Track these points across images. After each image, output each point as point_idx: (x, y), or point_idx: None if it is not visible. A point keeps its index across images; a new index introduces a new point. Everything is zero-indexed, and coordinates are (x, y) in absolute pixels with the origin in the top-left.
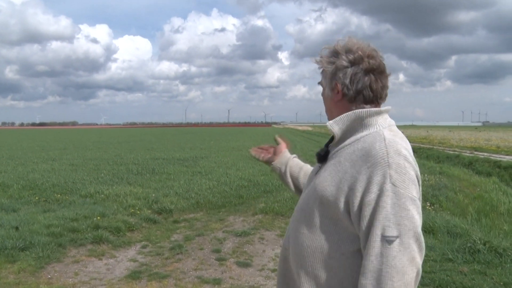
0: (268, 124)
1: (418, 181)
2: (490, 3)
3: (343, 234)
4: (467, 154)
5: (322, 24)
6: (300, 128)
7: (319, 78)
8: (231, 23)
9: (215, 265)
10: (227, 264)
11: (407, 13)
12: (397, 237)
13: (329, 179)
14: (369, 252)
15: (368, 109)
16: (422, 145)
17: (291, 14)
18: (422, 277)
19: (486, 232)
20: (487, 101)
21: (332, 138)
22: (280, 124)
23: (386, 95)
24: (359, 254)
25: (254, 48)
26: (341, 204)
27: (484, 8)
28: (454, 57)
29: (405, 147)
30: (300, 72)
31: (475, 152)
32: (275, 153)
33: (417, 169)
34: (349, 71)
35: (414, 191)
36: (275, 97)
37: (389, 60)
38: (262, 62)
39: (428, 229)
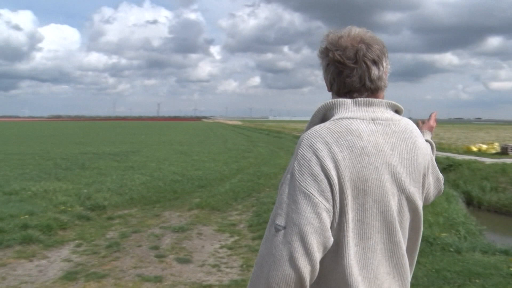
0: (198, 118)
1: (330, 182)
2: (414, 6)
3: None
4: None
5: (255, 20)
6: (230, 122)
7: (249, 72)
8: (164, 15)
9: (155, 262)
10: (167, 261)
11: (337, 11)
12: (284, 227)
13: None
14: (264, 234)
15: (328, 101)
16: None
17: (224, 8)
18: None
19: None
20: (411, 98)
21: None
22: (210, 118)
23: (368, 87)
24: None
25: (186, 42)
26: None
27: (409, 10)
28: None
29: (327, 141)
30: (231, 67)
31: None
32: None
33: (337, 168)
34: (323, 62)
35: (312, 187)
36: (206, 91)
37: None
38: (193, 56)
39: None
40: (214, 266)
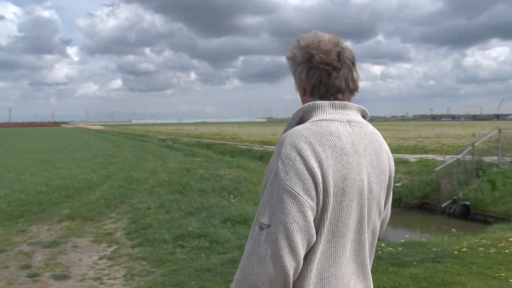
0: (56, 123)
1: (315, 180)
2: (272, 10)
3: None
4: (258, 148)
5: (115, 20)
6: (92, 127)
7: (110, 75)
8: (11, 11)
9: (28, 283)
10: (42, 279)
11: (198, 13)
12: (268, 226)
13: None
14: (249, 234)
15: (305, 104)
16: (216, 141)
17: (81, 7)
18: None
19: None
20: (271, 99)
21: None
22: (70, 123)
23: (351, 88)
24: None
25: (40, 41)
26: None
27: (268, 14)
28: (241, 58)
29: (310, 142)
30: (91, 69)
31: (265, 146)
32: None
33: (321, 167)
34: (304, 66)
35: (297, 186)
36: (64, 95)
37: (181, 59)
38: (48, 57)
39: (242, 220)
40: (95, 279)
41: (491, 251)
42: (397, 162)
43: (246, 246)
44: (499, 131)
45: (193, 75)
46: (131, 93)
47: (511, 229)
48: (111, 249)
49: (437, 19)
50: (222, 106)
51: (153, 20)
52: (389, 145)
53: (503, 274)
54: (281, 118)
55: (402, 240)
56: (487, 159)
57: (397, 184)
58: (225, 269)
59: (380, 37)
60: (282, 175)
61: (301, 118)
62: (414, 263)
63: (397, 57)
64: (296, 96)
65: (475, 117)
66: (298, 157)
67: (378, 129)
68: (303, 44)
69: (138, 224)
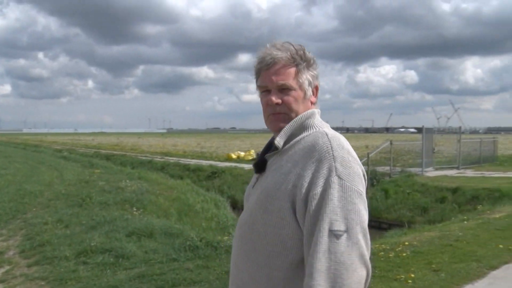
0: None
1: (364, 177)
2: (173, 20)
3: (290, 242)
4: (159, 160)
5: (3, 20)
6: None
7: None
8: None
9: None
10: None
11: (97, 19)
12: (345, 231)
13: (271, 184)
14: (316, 249)
15: (307, 111)
16: (115, 152)
17: None
18: (155, 279)
19: (187, 230)
20: (171, 109)
21: (268, 147)
22: None
23: None
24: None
25: None
26: (287, 205)
27: (169, 23)
28: (141, 67)
29: (348, 143)
30: None
31: (166, 157)
32: None
33: (361, 165)
34: (309, 71)
35: (360, 185)
36: None
37: (78, 65)
38: None
39: (147, 233)
40: None
41: (390, 255)
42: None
43: (315, 264)
44: (391, 143)
45: (90, 83)
46: (22, 100)
47: (405, 234)
48: (2, 270)
49: (332, 37)
50: (121, 116)
51: (47, 23)
52: None
53: (402, 276)
54: (182, 129)
55: None
56: (380, 169)
57: None
58: (133, 285)
59: None
60: (346, 177)
61: (303, 124)
62: None
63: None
64: (197, 107)
65: (367, 130)
66: (351, 158)
67: None
68: (306, 52)
69: (34, 241)
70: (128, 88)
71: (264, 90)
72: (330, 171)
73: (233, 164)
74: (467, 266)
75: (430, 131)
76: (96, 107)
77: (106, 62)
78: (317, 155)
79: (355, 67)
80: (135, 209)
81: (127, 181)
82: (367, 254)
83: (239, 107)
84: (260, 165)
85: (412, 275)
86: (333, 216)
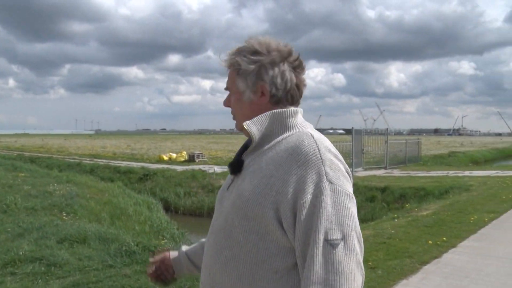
0: None
1: (350, 178)
2: (101, 18)
3: (273, 249)
4: (88, 162)
5: None
6: None
7: None
8: None
9: None
10: None
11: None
12: (341, 239)
13: (250, 188)
14: (312, 261)
15: (288, 109)
16: (40, 154)
17: None
18: None
19: (122, 234)
20: (99, 110)
21: (245, 147)
22: None
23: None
24: (293, 270)
25: None
26: (270, 213)
27: (96, 22)
28: (68, 66)
29: (332, 145)
30: None
31: (95, 159)
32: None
33: (347, 166)
34: (277, 69)
35: (350, 188)
36: None
37: None
38: None
39: (80, 239)
40: None
41: None
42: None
43: (312, 277)
44: None
45: (12, 82)
46: None
47: None
48: None
49: None
50: (46, 117)
51: None
52: (221, 158)
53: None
54: (110, 130)
55: None
56: None
57: None
58: None
59: (210, 53)
60: (336, 181)
61: (283, 123)
62: None
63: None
64: (126, 107)
65: None
66: (337, 160)
67: (208, 142)
68: (267, 45)
69: None
70: (53, 88)
71: None
72: (320, 176)
73: (165, 166)
74: (401, 262)
75: (359, 132)
76: (19, 107)
77: (29, 60)
78: (303, 159)
79: None
80: (65, 214)
81: (55, 184)
82: (361, 261)
83: (170, 108)
84: (236, 165)
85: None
86: (328, 225)
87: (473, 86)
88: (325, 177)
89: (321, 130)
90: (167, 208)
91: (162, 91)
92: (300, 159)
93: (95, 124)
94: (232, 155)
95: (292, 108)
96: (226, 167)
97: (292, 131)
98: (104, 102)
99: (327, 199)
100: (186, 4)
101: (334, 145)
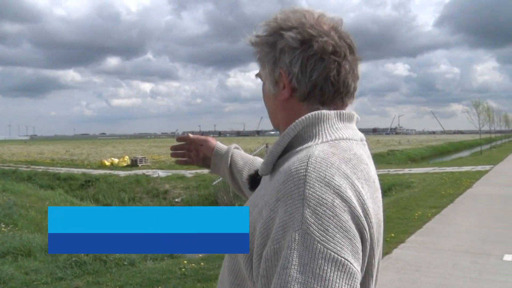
0: None
1: (362, 234)
2: (35, 19)
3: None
4: (25, 169)
5: None
6: None
7: None
8: None
9: None
10: None
11: None
12: None
13: None
14: None
15: (311, 114)
16: None
17: None
18: None
19: None
20: (35, 115)
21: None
22: None
23: (355, 91)
24: None
25: None
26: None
27: (30, 22)
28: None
29: (346, 175)
30: None
31: (32, 166)
32: (201, 150)
33: (365, 213)
34: (298, 54)
35: (344, 249)
36: None
37: None
38: None
39: (25, 252)
40: None
41: None
42: (175, 178)
43: None
44: (266, 146)
45: None
46: None
47: None
48: None
49: (203, 41)
50: None
51: None
52: (164, 162)
53: None
54: (47, 135)
55: (201, 255)
56: None
57: (176, 200)
58: None
59: (149, 55)
60: (318, 234)
61: (296, 136)
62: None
63: (166, 75)
64: (64, 111)
65: (239, 133)
66: (338, 201)
67: (150, 146)
68: (292, 20)
69: None
70: None
71: None
72: (292, 219)
73: (107, 171)
74: None
75: None
76: None
77: None
78: (283, 189)
79: (225, 72)
80: (4, 226)
81: None
82: None
83: (109, 112)
84: (252, 181)
85: None
86: None
87: (408, 87)
88: (300, 223)
89: (263, 132)
90: None
91: (101, 95)
92: (281, 190)
93: (30, 130)
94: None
95: (316, 113)
96: (171, 171)
97: (304, 145)
98: (40, 107)
99: (294, 258)
100: (125, 5)
101: None
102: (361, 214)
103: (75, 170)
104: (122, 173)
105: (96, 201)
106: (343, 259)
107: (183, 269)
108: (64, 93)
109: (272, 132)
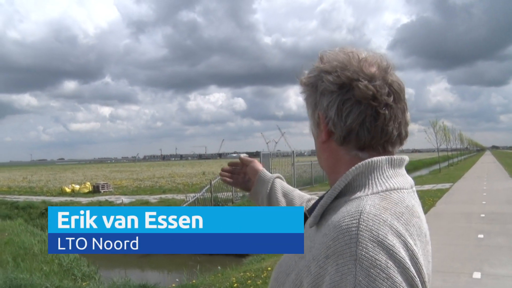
0: None
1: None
2: None
3: None
4: None
5: None
6: None
7: None
8: None
9: None
10: None
11: None
12: None
13: (285, 262)
14: None
15: (363, 163)
16: None
17: None
18: None
19: (37, 279)
20: None
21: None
22: None
23: (402, 136)
24: None
25: None
26: None
27: None
28: None
29: (399, 233)
30: None
31: None
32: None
33: (419, 274)
34: (335, 97)
35: None
36: None
37: None
38: None
39: None
40: None
41: (258, 282)
42: (139, 204)
43: None
44: None
45: None
46: None
47: (264, 259)
48: None
49: (162, 65)
50: None
51: None
52: (126, 187)
53: None
54: (2, 162)
55: (174, 285)
56: (223, 195)
57: None
58: None
59: (108, 79)
60: None
61: (347, 185)
62: None
63: (125, 98)
64: (19, 137)
65: (201, 156)
66: (391, 263)
67: (111, 171)
68: (334, 62)
69: None
70: None
71: None
72: (344, 282)
73: (69, 199)
74: None
75: (266, 156)
76: None
77: None
78: (332, 246)
79: (185, 95)
80: None
81: None
82: None
83: (67, 137)
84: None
85: None
86: None
87: None
88: (352, 286)
89: (225, 154)
90: None
91: (59, 119)
92: (330, 246)
93: None
94: (138, 184)
95: (367, 161)
96: (134, 197)
97: (354, 194)
98: None
99: None
100: (82, 28)
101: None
102: (415, 274)
103: (34, 198)
104: (84, 200)
105: None
106: None
107: None
108: (19, 118)
109: (234, 155)
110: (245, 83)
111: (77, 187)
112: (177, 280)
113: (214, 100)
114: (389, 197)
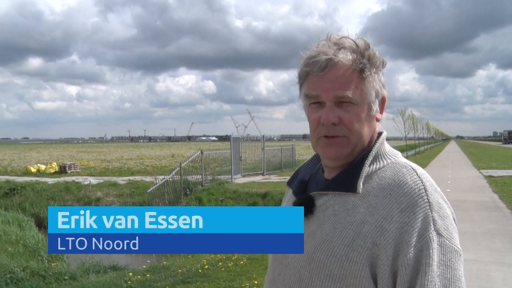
0: None
1: (455, 224)
2: None
3: None
4: None
5: None
6: None
7: None
8: None
9: None
10: None
11: None
12: None
13: (335, 238)
14: None
15: (384, 133)
16: None
17: None
18: None
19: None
20: None
21: (312, 166)
22: None
23: None
24: None
25: None
26: (364, 271)
27: None
28: None
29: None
30: None
31: None
32: None
33: (453, 210)
34: (377, 78)
35: (458, 241)
36: None
37: None
38: None
39: None
40: None
41: (229, 264)
42: (107, 185)
43: None
44: (202, 153)
45: None
46: None
47: None
48: None
49: (131, 45)
50: None
51: None
52: (94, 168)
53: (247, 284)
54: None
55: (144, 266)
56: (192, 178)
57: None
58: None
59: (75, 57)
60: (444, 233)
61: (377, 152)
62: (167, 287)
63: (92, 78)
64: None
65: (170, 139)
66: (445, 204)
67: (78, 151)
68: (370, 47)
69: None
70: None
71: (314, 102)
72: (426, 224)
73: (34, 179)
74: None
75: (236, 140)
76: None
77: None
78: (406, 201)
79: (154, 76)
80: None
81: None
82: None
83: (32, 115)
84: (308, 204)
85: (256, 282)
86: None
87: None
88: (432, 226)
89: (194, 137)
90: (40, 224)
91: (23, 97)
92: (403, 202)
93: None
94: (105, 165)
95: (383, 133)
96: (102, 178)
97: (382, 162)
98: None
99: (433, 255)
100: (48, 4)
101: (214, 153)
102: (453, 212)
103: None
104: (50, 180)
105: (23, 210)
106: (459, 250)
107: (129, 282)
108: None
109: (203, 138)
110: (215, 66)
111: (43, 167)
112: (148, 261)
113: (184, 82)
114: (409, 161)
